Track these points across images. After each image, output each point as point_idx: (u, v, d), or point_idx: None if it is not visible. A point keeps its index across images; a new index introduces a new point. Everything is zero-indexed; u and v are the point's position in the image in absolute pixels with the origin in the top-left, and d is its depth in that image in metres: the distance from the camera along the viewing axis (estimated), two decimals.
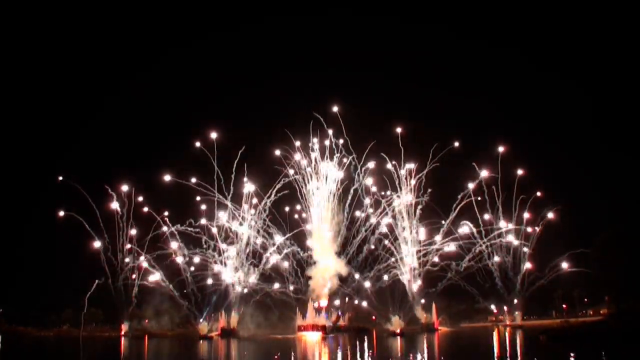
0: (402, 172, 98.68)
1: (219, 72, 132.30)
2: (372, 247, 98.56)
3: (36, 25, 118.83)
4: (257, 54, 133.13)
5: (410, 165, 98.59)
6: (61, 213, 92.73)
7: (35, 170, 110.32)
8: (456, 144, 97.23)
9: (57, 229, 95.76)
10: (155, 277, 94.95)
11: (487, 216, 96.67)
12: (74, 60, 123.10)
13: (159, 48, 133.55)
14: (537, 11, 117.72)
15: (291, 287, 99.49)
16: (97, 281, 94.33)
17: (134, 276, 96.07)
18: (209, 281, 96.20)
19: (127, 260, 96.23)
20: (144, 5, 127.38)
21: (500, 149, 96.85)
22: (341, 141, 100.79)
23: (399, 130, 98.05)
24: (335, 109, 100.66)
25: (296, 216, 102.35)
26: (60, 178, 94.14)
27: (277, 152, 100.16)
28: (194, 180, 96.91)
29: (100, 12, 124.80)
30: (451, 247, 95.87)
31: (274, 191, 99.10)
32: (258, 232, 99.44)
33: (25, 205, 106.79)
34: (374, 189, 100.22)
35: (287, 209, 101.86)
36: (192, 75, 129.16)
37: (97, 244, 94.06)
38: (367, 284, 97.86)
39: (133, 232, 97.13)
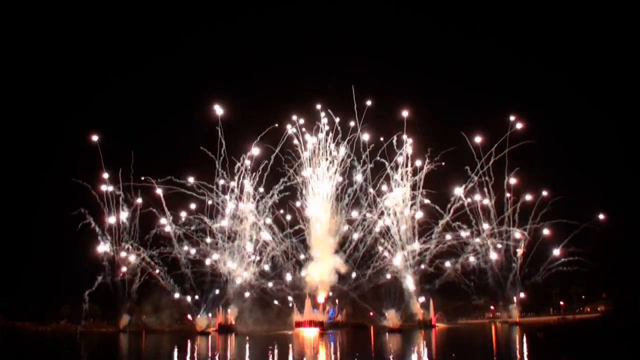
0: (399, 172, 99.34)
1: (216, 66, 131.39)
2: (369, 244, 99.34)
3: (34, 23, 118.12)
4: (257, 44, 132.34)
5: (408, 168, 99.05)
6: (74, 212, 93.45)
7: (35, 167, 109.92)
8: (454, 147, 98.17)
9: (57, 226, 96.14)
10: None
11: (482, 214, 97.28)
12: (74, 58, 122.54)
13: (153, 47, 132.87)
14: (540, 11, 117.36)
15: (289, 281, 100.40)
16: (99, 278, 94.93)
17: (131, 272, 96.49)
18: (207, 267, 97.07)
19: (127, 255, 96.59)
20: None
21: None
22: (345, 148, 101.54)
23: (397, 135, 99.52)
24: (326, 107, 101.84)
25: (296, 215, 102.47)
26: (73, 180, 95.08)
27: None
28: (191, 180, 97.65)
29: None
30: (448, 236, 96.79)
31: (276, 192, 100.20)
32: (259, 229, 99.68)
33: (27, 202, 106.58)
34: (371, 190, 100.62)
35: (285, 197, 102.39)
36: (189, 72, 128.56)
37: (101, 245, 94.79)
38: (365, 281, 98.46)
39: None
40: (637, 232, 67.14)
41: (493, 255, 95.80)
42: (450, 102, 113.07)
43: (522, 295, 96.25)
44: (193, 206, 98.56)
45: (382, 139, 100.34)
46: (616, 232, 70.87)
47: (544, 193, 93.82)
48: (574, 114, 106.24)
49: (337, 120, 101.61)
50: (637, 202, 72.68)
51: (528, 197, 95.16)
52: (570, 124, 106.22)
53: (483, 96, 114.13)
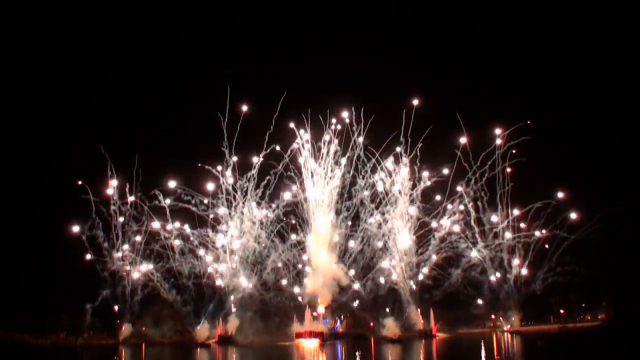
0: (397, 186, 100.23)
1: (216, 66, 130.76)
2: (368, 256, 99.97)
3: (34, 22, 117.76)
4: (257, 44, 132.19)
5: (405, 183, 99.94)
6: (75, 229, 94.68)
7: (34, 168, 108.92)
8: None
9: (57, 234, 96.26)
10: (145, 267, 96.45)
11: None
12: (74, 57, 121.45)
13: (153, 47, 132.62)
14: (540, 11, 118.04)
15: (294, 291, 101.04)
16: (104, 292, 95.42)
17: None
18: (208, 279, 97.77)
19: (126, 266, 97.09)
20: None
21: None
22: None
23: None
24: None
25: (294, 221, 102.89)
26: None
27: None
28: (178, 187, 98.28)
29: None
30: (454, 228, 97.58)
31: (280, 206, 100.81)
32: (259, 242, 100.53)
33: (26, 209, 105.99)
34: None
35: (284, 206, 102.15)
36: (189, 72, 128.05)
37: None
38: (365, 291, 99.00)
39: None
40: (638, 232, 67.65)
41: (488, 266, 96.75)
42: (450, 104, 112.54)
43: (521, 303, 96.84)
44: (190, 204, 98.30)
45: (377, 157, 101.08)
46: (617, 232, 71.34)
47: (536, 204, 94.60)
48: (574, 114, 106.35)
49: (338, 127, 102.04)
50: (637, 202, 73.08)
51: (517, 212, 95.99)
52: (570, 124, 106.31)
53: (483, 97, 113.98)
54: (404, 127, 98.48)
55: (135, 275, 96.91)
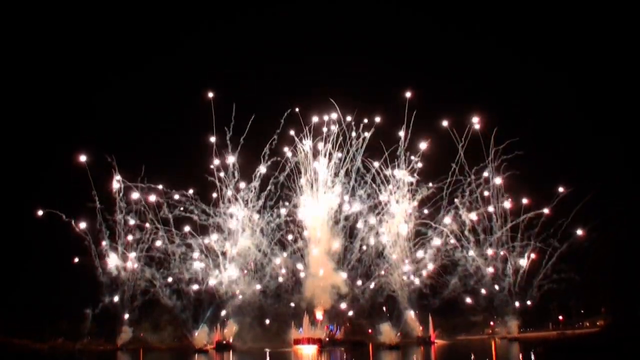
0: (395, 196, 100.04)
1: (217, 66, 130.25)
2: (367, 263, 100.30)
3: (33, 22, 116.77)
4: (257, 44, 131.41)
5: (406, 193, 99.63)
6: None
7: (33, 168, 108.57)
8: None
9: (58, 236, 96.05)
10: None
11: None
12: (73, 57, 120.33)
13: (153, 47, 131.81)
14: (540, 11, 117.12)
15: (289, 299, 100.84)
16: (106, 299, 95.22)
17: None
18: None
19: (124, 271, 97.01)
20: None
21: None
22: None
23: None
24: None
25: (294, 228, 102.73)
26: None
27: None
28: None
29: None
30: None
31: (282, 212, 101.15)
32: (259, 250, 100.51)
33: (26, 210, 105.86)
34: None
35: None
36: (189, 72, 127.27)
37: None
38: (363, 298, 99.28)
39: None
40: (638, 233, 67.33)
41: (486, 273, 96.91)
42: (450, 103, 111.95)
43: (519, 311, 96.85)
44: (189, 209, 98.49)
45: (377, 167, 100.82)
46: (617, 233, 71.07)
47: (530, 213, 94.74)
48: (574, 114, 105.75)
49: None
50: (637, 202, 72.71)
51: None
52: (570, 124, 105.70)
53: (483, 97, 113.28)
54: (404, 129, 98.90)
55: (134, 272, 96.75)
